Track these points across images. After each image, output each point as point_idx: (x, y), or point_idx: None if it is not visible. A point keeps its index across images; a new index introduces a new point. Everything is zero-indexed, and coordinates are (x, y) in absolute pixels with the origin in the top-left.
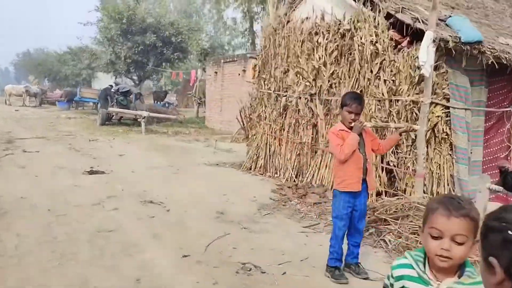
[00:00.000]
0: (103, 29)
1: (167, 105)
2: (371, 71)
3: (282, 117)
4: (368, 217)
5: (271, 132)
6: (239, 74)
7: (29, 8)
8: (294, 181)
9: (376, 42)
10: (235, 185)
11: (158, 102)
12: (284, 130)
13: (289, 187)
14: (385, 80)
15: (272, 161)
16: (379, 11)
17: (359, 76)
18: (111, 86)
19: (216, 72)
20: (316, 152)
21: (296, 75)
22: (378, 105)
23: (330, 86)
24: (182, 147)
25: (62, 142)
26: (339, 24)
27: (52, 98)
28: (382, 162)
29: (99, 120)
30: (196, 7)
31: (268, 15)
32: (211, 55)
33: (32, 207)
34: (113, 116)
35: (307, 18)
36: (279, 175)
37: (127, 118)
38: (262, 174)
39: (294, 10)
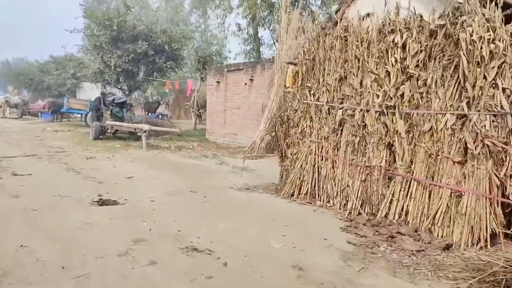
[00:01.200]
0: (91, 37)
1: (160, 116)
2: (485, 77)
3: (336, 134)
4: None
5: (321, 152)
6: (246, 84)
7: (7, 16)
8: (360, 213)
9: (494, 39)
10: (289, 219)
11: (150, 114)
12: (339, 149)
13: (363, 224)
14: (504, 89)
15: (322, 187)
16: (491, 0)
17: (464, 84)
18: (103, 96)
19: (218, 82)
20: (392, 179)
21: (361, 84)
22: (494, 121)
23: (412, 96)
24: (193, 166)
25: (56, 161)
26: (421, 20)
27: (34, 109)
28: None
29: (92, 134)
30: (183, 16)
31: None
32: (209, 63)
33: (39, 265)
34: (107, 129)
35: (368, 14)
36: (333, 204)
37: (123, 132)
38: (310, 203)
39: (348, 6)
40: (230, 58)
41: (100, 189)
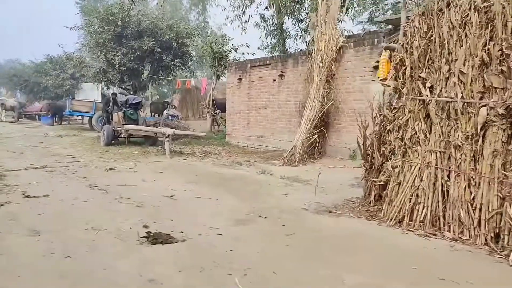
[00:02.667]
0: (93, 34)
1: (170, 118)
2: None
3: (475, 141)
4: None
5: (447, 165)
6: (275, 80)
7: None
8: None
9: None
10: (432, 265)
11: (157, 115)
12: (481, 162)
13: None
14: None
15: (451, 213)
16: None
17: None
18: (114, 96)
19: (240, 79)
20: None
21: None
22: None
23: None
24: (234, 176)
25: (72, 175)
26: None
27: (32, 112)
28: None
29: (104, 139)
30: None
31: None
32: (225, 60)
33: None
34: (120, 134)
35: None
36: (472, 236)
37: (137, 136)
38: (434, 235)
39: None
40: (248, 53)
41: (142, 215)
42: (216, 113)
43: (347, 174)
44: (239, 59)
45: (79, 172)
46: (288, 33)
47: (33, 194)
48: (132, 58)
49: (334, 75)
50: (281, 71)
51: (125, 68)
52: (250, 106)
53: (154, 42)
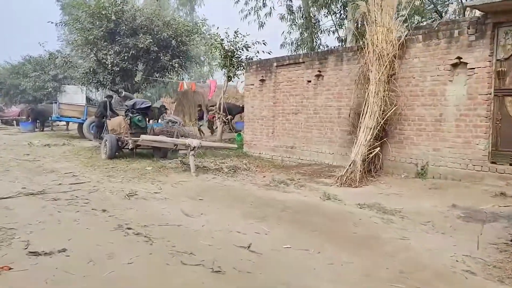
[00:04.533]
0: (81, 30)
1: (170, 124)
2: None
3: None
4: None
5: None
6: (309, 82)
7: None
8: None
9: None
10: None
11: (151, 121)
12: None
13: None
14: None
15: None
16: None
17: None
18: (110, 98)
19: (262, 80)
20: None
21: None
22: None
23: None
24: (302, 207)
25: (85, 206)
26: None
27: (9, 116)
28: None
29: (107, 150)
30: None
31: None
32: (237, 58)
33: None
34: (126, 144)
35: None
36: None
37: (144, 147)
38: None
39: None
40: (264, 52)
41: (218, 284)
42: (228, 119)
43: (435, 200)
44: (251, 58)
45: (93, 200)
46: (319, 27)
47: (41, 249)
48: (125, 58)
49: (394, 74)
50: (319, 71)
51: (118, 69)
52: (276, 111)
53: (151, 40)
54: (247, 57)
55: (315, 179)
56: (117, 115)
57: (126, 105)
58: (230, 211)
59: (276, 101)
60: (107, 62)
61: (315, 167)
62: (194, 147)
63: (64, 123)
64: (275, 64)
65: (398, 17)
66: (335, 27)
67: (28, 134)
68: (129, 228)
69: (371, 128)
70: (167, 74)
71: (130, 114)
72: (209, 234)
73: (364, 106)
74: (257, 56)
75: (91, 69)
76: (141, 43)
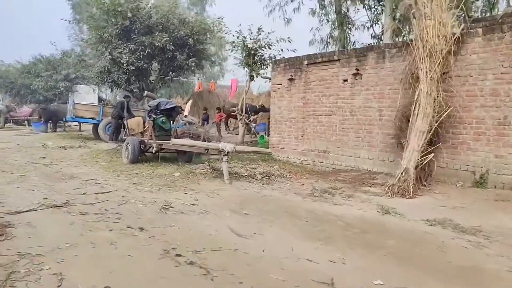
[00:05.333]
0: (96, 28)
1: (187, 125)
2: None
3: None
4: None
5: None
6: (346, 81)
7: None
8: None
9: None
10: None
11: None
12: None
13: None
14: None
15: None
16: None
17: None
18: (127, 99)
19: (291, 79)
20: None
21: None
22: None
23: None
24: (366, 224)
25: (118, 222)
26: None
27: (20, 116)
28: None
29: (129, 154)
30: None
31: None
32: (260, 57)
33: None
34: (149, 148)
35: None
36: None
37: (168, 151)
38: None
39: None
40: (288, 50)
41: None
42: (250, 120)
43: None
44: (274, 57)
45: (125, 215)
46: (352, 23)
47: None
48: (141, 56)
49: (447, 72)
50: (357, 69)
51: (133, 68)
52: (306, 112)
53: (168, 38)
54: (270, 55)
55: (359, 188)
56: (134, 116)
57: (149, 106)
58: (286, 230)
59: (306, 102)
60: (122, 61)
61: (353, 173)
62: (228, 152)
63: (76, 123)
64: (305, 62)
65: (451, 9)
66: (370, 22)
67: (40, 135)
68: (178, 255)
69: (424, 132)
70: (182, 73)
71: (154, 116)
72: (276, 264)
73: (414, 108)
74: (280, 54)
75: (106, 68)
76: (157, 41)
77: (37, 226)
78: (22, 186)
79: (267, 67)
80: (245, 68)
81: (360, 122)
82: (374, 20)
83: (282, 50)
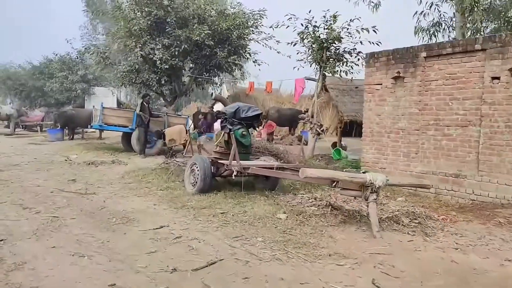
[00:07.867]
0: (123, 20)
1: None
2: None
3: None
4: None
5: None
6: (496, 79)
7: None
8: None
9: None
10: None
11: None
12: None
13: None
14: None
15: None
16: None
17: None
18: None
19: (397, 77)
20: None
21: None
22: None
23: None
24: None
25: None
26: None
27: (32, 121)
28: None
29: (197, 181)
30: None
31: None
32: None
33: None
34: (223, 171)
35: None
36: None
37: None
38: None
39: None
40: (370, 42)
41: None
42: (323, 130)
43: None
44: (347, 51)
45: None
46: (479, 3)
47: None
48: (176, 53)
49: None
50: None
51: (167, 66)
52: (423, 122)
53: (209, 32)
54: (345, 48)
55: None
56: (157, 116)
57: (224, 112)
58: None
59: (423, 108)
60: (154, 58)
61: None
62: (379, 187)
63: (94, 130)
64: (423, 54)
65: None
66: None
67: (58, 144)
68: None
69: None
70: (221, 73)
71: (229, 126)
72: None
73: None
74: (354, 48)
75: (136, 67)
76: (195, 36)
77: None
78: (59, 245)
79: (344, 63)
80: (316, 64)
81: None
82: None
83: (361, 43)
